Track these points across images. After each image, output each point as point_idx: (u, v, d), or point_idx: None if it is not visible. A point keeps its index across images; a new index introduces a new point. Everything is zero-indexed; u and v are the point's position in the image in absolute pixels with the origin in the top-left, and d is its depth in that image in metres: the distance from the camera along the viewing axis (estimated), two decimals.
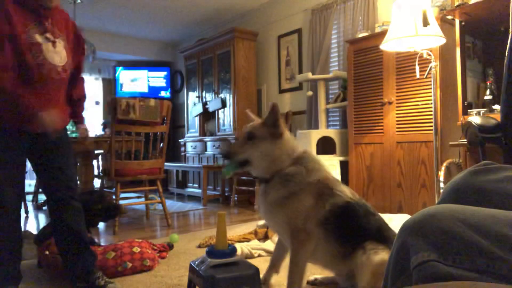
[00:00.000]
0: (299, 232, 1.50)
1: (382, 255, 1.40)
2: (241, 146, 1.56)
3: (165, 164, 4.51)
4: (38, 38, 1.66)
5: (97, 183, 4.70)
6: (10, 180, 1.68)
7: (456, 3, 2.62)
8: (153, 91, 6.95)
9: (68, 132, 2.08)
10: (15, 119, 1.66)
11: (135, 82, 6.92)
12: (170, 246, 2.57)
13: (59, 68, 1.73)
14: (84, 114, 2.11)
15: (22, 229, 2.76)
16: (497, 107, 2.51)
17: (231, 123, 5.04)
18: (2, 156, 1.67)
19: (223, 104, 5.14)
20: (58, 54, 1.73)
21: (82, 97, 2.06)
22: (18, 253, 1.76)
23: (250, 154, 1.55)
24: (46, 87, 1.71)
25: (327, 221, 1.49)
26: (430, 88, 2.78)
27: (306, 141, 3.73)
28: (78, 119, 2.08)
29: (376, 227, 1.52)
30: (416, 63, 2.69)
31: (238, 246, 2.36)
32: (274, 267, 1.75)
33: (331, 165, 3.58)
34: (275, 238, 2.56)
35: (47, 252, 2.12)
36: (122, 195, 3.81)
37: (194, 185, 5.69)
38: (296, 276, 1.52)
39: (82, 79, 2.06)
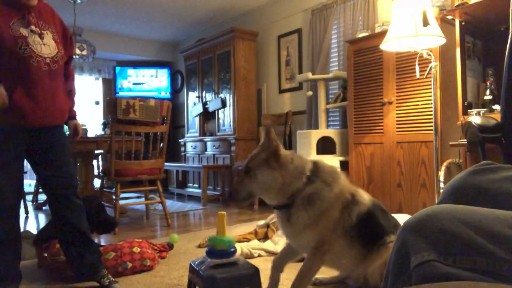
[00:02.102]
0: (324, 244, 1.49)
1: None
2: (240, 182, 1.48)
3: (165, 164, 4.52)
4: (23, 31, 1.66)
5: (97, 183, 4.70)
6: (9, 179, 1.67)
7: (456, 3, 2.62)
8: (153, 91, 6.95)
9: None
10: (10, 115, 1.64)
11: (135, 82, 6.92)
12: (170, 246, 2.57)
13: (48, 60, 1.72)
14: (76, 109, 2.07)
15: (22, 229, 2.75)
16: (497, 107, 2.51)
17: (231, 123, 5.04)
18: (0, 154, 1.66)
19: (223, 104, 5.14)
20: (46, 45, 1.72)
21: (72, 92, 2.02)
22: (18, 253, 1.76)
23: (251, 188, 1.47)
24: (39, 79, 1.69)
25: (352, 229, 1.50)
26: (430, 88, 2.78)
27: (306, 141, 3.73)
28: (69, 114, 2.01)
29: (393, 224, 1.58)
30: (416, 63, 2.69)
31: (238, 246, 2.36)
32: (279, 268, 1.67)
33: None
34: (275, 238, 2.56)
35: (45, 254, 2.11)
36: (122, 195, 3.82)
37: (194, 185, 5.69)
38: (305, 281, 1.52)
39: (72, 73, 2.03)
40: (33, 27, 1.69)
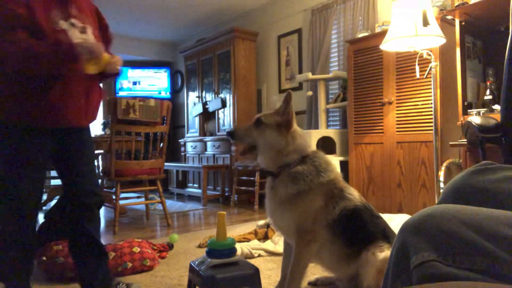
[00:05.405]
0: (307, 233, 1.48)
1: (386, 252, 1.40)
2: (247, 129, 1.56)
3: (165, 164, 4.51)
4: (63, 24, 1.56)
5: None
6: (31, 182, 1.58)
7: (456, 3, 2.62)
8: (153, 91, 6.95)
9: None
10: (38, 111, 1.54)
11: (135, 81, 6.92)
12: (170, 246, 2.57)
13: None
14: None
15: None
16: (497, 107, 2.51)
17: (231, 123, 5.04)
18: (23, 155, 1.57)
19: (223, 104, 5.14)
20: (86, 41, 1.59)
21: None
22: (31, 257, 1.68)
23: (255, 139, 1.54)
24: (75, 77, 1.59)
25: (336, 223, 1.48)
26: (430, 88, 2.78)
27: None
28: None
29: (381, 229, 1.52)
30: (416, 63, 2.69)
31: (238, 246, 2.35)
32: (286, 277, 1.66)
33: None
34: (275, 238, 2.56)
35: (44, 258, 2.10)
36: (122, 195, 3.81)
37: (194, 185, 5.69)
38: (297, 276, 1.52)
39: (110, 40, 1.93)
40: (73, 21, 1.58)
